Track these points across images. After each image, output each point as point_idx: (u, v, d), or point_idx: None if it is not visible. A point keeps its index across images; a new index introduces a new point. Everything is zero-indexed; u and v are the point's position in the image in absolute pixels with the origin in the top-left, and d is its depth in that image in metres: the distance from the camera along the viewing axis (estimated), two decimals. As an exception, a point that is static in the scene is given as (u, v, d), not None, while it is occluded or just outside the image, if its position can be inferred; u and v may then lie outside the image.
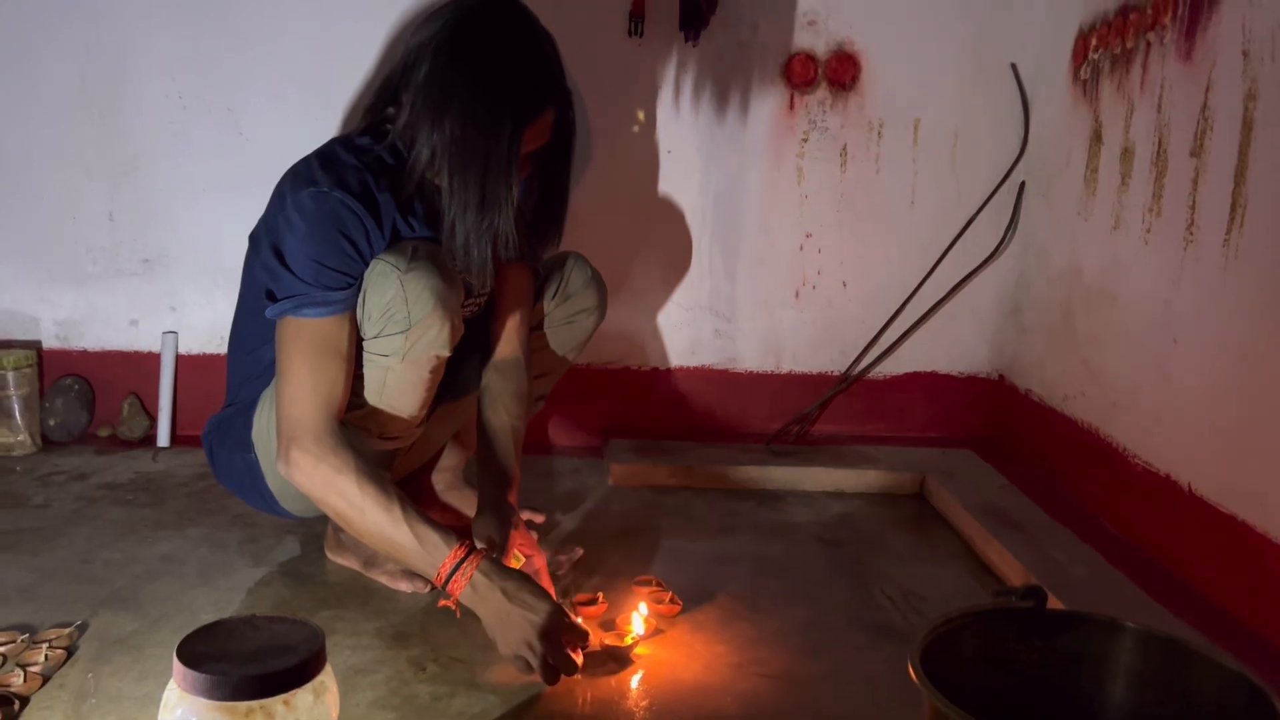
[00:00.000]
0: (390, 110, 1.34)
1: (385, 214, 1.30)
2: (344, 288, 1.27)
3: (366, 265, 1.29)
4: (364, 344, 1.31)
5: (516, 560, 1.36)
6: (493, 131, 1.25)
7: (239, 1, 1.94)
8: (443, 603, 1.25)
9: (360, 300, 1.28)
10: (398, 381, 1.32)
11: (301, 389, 1.25)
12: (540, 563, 1.39)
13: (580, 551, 1.57)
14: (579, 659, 1.21)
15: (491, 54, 1.26)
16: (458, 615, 1.24)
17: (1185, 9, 1.54)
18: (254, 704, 0.77)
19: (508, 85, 1.25)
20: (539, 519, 1.70)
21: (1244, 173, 1.40)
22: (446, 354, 1.33)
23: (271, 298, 1.28)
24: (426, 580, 1.40)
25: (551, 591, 1.33)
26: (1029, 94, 2.05)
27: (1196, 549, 1.49)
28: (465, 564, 1.20)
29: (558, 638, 1.19)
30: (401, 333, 1.28)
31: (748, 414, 2.18)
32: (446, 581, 1.20)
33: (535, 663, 1.18)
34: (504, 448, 1.45)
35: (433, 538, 1.21)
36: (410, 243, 1.30)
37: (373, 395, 1.33)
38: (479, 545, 1.28)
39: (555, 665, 1.18)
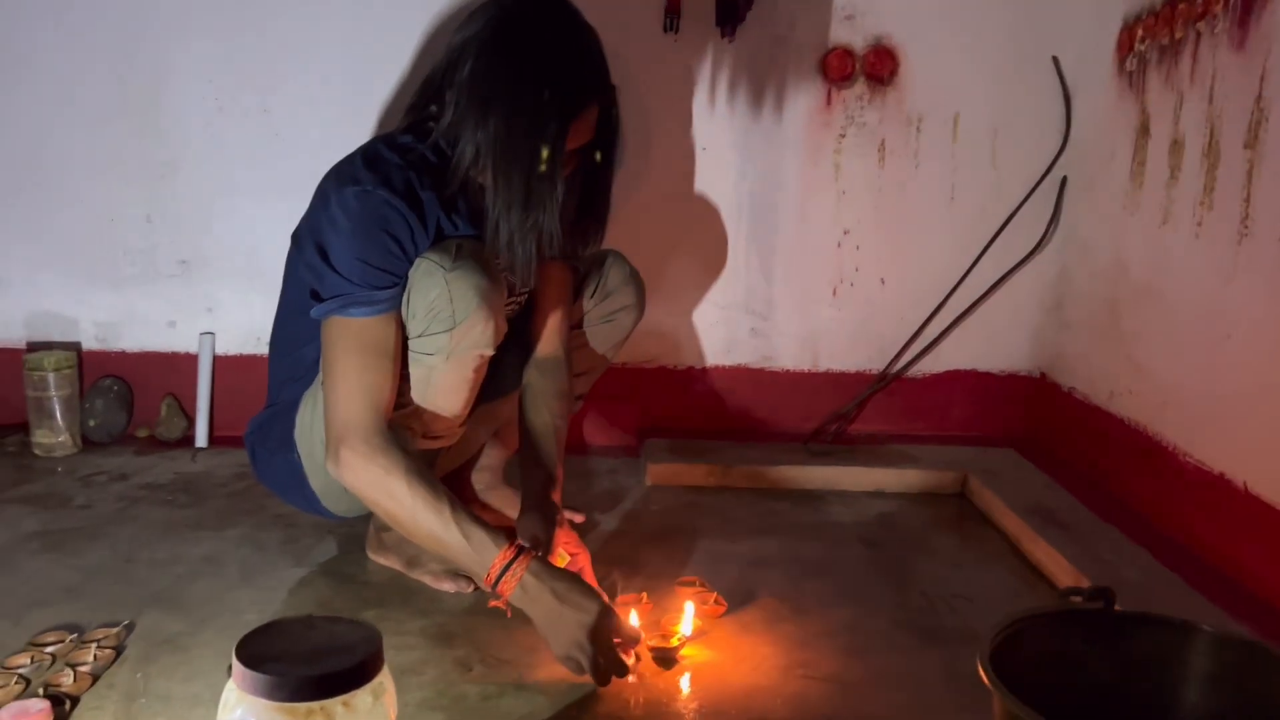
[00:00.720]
0: (433, 108, 1.33)
1: (429, 212, 1.29)
2: (390, 286, 1.27)
3: (411, 264, 1.28)
4: (408, 342, 1.30)
5: (562, 559, 1.35)
6: (538, 129, 1.23)
7: (275, 4, 1.95)
8: (493, 603, 1.25)
9: (405, 299, 1.28)
10: (442, 380, 1.31)
11: (350, 389, 1.25)
12: (584, 560, 1.38)
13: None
14: (630, 660, 1.20)
15: (536, 50, 1.25)
16: (508, 615, 1.23)
17: (1237, -3, 1.51)
18: (314, 705, 0.76)
19: (552, 82, 1.24)
20: (579, 519, 1.69)
21: (1301, 164, 1.36)
22: (490, 352, 1.32)
23: (316, 297, 1.28)
24: (470, 580, 1.40)
25: (597, 590, 1.32)
26: (1071, 87, 2.02)
27: (1253, 549, 1.46)
28: (515, 564, 1.19)
29: (609, 639, 1.18)
30: (446, 331, 1.27)
31: (785, 413, 2.16)
32: (496, 582, 1.19)
33: (586, 664, 1.16)
34: (547, 447, 1.44)
35: (482, 538, 1.20)
36: (454, 241, 1.29)
37: (417, 394, 1.32)
38: (525, 545, 1.27)
39: (607, 666, 1.17)
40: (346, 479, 1.25)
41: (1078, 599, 0.91)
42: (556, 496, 1.41)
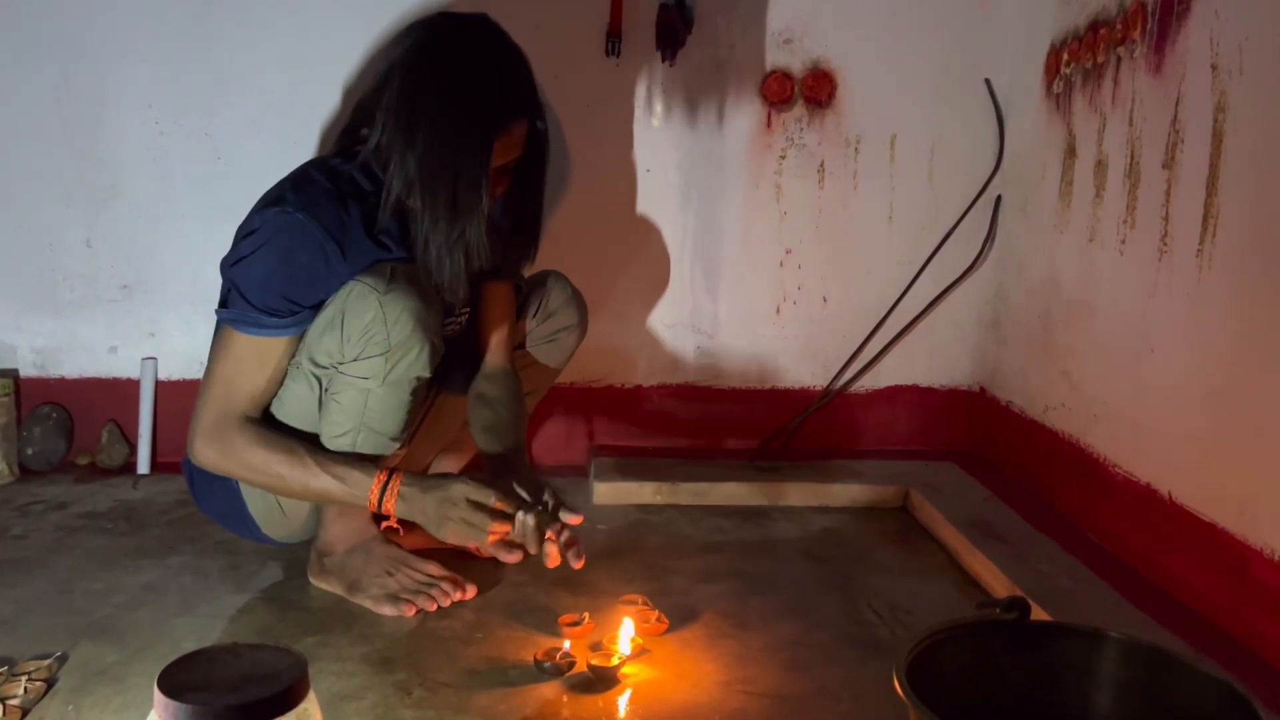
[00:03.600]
0: (364, 131, 1.35)
1: (354, 236, 1.31)
2: (285, 315, 1.29)
3: (323, 288, 1.30)
4: (341, 368, 1.31)
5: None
6: (461, 142, 1.26)
7: (216, 27, 1.94)
8: (384, 525, 1.38)
9: (339, 322, 1.29)
10: (378, 405, 1.32)
11: (223, 388, 1.31)
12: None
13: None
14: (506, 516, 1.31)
15: (458, 69, 1.28)
16: (400, 532, 1.38)
17: (1154, 24, 1.56)
18: (237, 733, 0.77)
19: (475, 97, 1.27)
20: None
21: (1215, 184, 1.41)
22: (427, 375, 1.34)
23: (222, 303, 1.33)
24: (412, 603, 1.41)
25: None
26: (1003, 109, 2.07)
27: (1178, 557, 1.50)
28: (390, 484, 1.30)
29: (463, 501, 1.29)
30: (381, 354, 1.28)
31: (731, 430, 2.18)
32: (378, 505, 1.30)
33: (461, 530, 1.29)
34: (512, 433, 1.48)
35: (352, 474, 1.31)
36: (388, 264, 1.31)
37: (353, 419, 1.33)
38: (393, 467, 1.34)
39: (472, 522, 1.28)
40: (206, 464, 1.33)
41: (994, 610, 0.94)
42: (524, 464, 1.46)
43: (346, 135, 1.37)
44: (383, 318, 1.26)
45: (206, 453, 1.32)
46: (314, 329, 1.32)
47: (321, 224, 1.27)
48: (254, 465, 1.31)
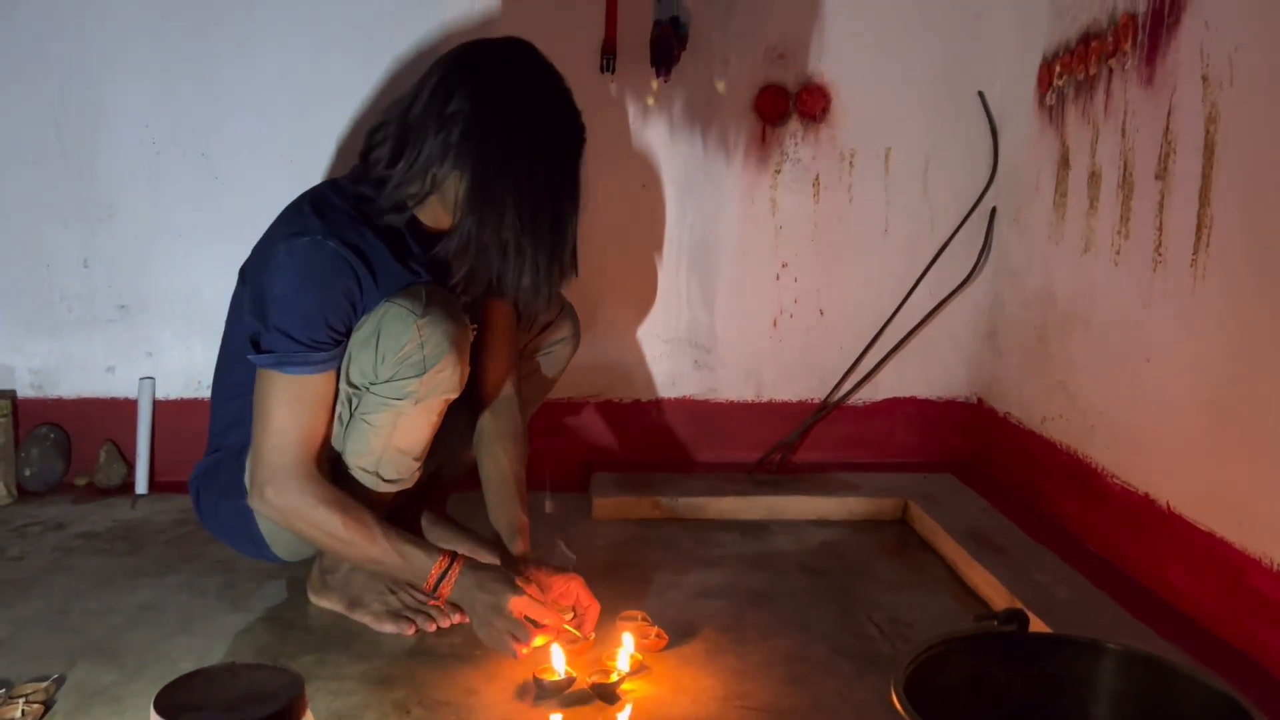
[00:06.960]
0: (376, 154, 1.35)
1: (381, 262, 1.31)
2: (331, 346, 1.29)
3: (359, 315, 1.30)
4: (373, 388, 1.31)
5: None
6: (561, 183, 1.32)
7: (213, 46, 1.95)
8: (432, 602, 1.43)
9: (373, 343, 1.29)
10: (408, 424, 1.34)
11: (282, 437, 1.29)
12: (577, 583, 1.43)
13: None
14: (537, 636, 1.32)
15: (538, 107, 1.32)
16: (445, 611, 1.43)
17: (1144, 36, 1.57)
18: (234, 754, 0.77)
19: (562, 140, 1.33)
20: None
21: (1208, 194, 1.42)
22: (455, 396, 1.35)
23: (255, 345, 1.29)
24: (411, 622, 1.42)
25: (591, 610, 1.39)
26: (997, 121, 2.08)
27: (1177, 567, 1.50)
28: (449, 573, 1.33)
29: (517, 616, 1.30)
30: (416, 377, 1.29)
31: (730, 444, 2.18)
32: (434, 589, 1.33)
33: (498, 641, 1.30)
34: (507, 497, 1.51)
35: (415, 554, 1.33)
36: (421, 286, 1.32)
37: (381, 439, 1.34)
38: (455, 552, 1.36)
39: (513, 637, 1.30)
40: (273, 516, 1.32)
41: (993, 623, 0.94)
42: (520, 546, 1.47)
43: (385, 161, 1.35)
44: (420, 341, 1.27)
45: (278, 503, 1.31)
46: (348, 349, 1.33)
47: (352, 249, 1.28)
48: (323, 526, 1.30)
